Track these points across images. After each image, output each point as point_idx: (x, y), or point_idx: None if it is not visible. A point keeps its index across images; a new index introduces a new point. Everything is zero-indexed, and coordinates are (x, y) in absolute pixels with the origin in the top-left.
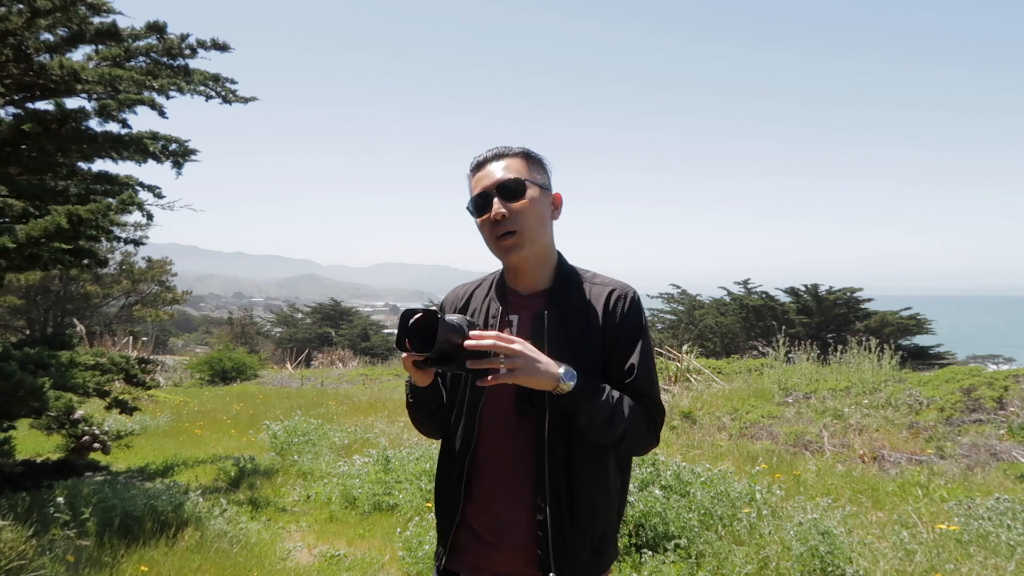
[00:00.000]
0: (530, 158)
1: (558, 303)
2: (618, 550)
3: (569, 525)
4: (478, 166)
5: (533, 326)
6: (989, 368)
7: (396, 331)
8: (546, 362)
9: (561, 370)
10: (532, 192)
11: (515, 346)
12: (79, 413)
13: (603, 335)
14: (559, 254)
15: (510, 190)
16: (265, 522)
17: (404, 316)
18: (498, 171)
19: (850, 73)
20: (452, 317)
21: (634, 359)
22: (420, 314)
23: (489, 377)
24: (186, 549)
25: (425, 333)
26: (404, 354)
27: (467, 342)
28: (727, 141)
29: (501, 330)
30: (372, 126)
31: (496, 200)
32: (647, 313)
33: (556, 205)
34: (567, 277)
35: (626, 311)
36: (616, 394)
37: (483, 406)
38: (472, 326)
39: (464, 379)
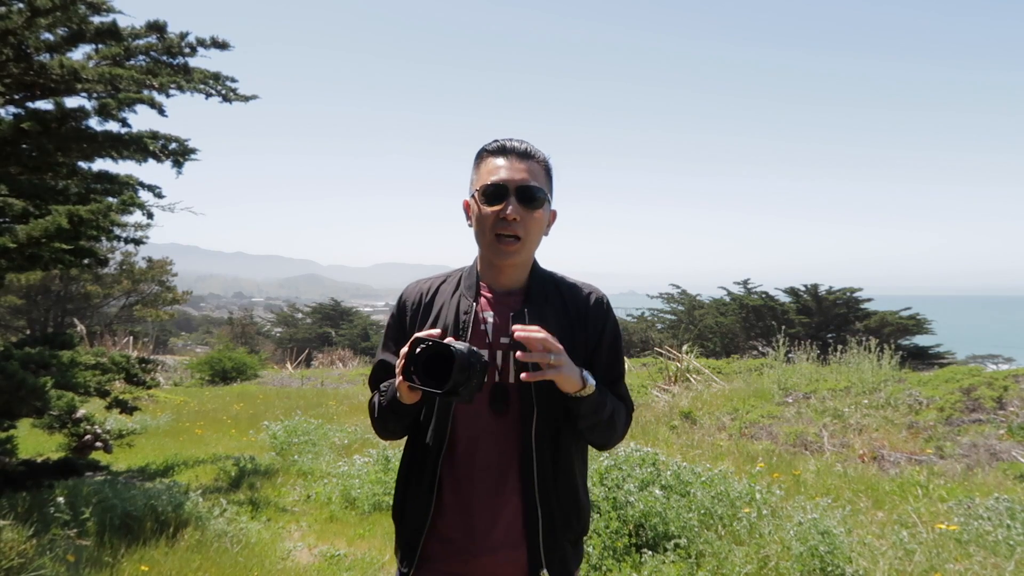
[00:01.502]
0: (549, 170)
1: (536, 301)
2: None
3: (558, 521)
4: (501, 151)
5: (513, 322)
6: (989, 368)
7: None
8: (573, 363)
9: (585, 372)
10: (546, 206)
11: (556, 343)
12: (81, 412)
13: (584, 336)
14: (534, 257)
15: (531, 198)
16: (265, 522)
17: (413, 344)
18: (522, 172)
19: (852, 73)
20: (459, 346)
21: (617, 364)
22: (429, 344)
23: (534, 372)
24: (186, 549)
25: (434, 364)
26: (402, 379)
27: (517, 334)
28: (728, 140)
29: (475, 328)
30: (372, 126)
31: (513, 200)
32: (647, 313)
33: (550, 222)
34: (542, 278)
35: (603, 314)
36: (612, 396)
37: (456, 405)
38: (475, 355)
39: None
